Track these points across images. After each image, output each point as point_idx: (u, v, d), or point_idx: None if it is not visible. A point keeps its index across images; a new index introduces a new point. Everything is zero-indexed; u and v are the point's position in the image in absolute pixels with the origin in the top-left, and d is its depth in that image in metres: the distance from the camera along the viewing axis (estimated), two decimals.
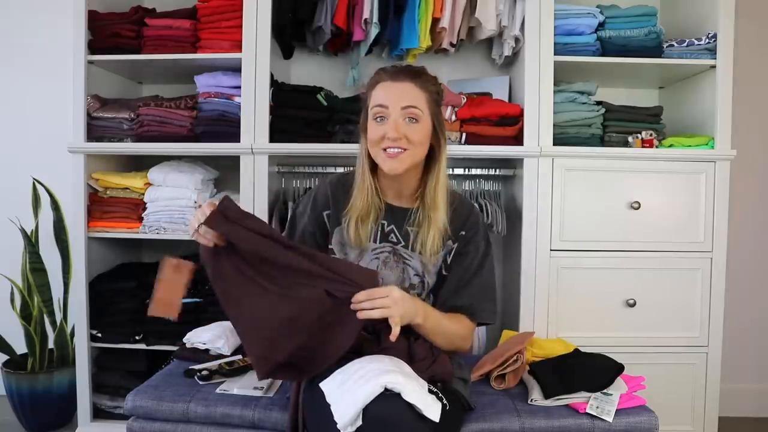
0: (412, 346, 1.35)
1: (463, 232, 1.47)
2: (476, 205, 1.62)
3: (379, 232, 1.46)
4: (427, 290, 1.46)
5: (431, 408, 1.13)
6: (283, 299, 1.26)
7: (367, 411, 1.10)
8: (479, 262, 1.47)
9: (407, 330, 1.39)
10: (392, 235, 1.46)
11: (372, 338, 1.36)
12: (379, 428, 1.09)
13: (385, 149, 1.36)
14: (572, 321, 2.03)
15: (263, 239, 1.27)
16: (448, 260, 1.47)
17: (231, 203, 1.29)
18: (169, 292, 1.32)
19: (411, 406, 1.11)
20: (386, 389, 1.11)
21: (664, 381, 2.02)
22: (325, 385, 1.19)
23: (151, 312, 1.33)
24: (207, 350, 1.78)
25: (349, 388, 1.13)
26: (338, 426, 1.10)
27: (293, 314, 1.25)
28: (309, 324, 1.25)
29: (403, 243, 1.45)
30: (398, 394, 1.11)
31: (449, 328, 1.41)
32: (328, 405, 1.15)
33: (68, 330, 2.32)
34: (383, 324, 1.35)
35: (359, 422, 1.10)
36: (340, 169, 2.03)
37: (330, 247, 1.48)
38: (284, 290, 1.27)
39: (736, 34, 2.03)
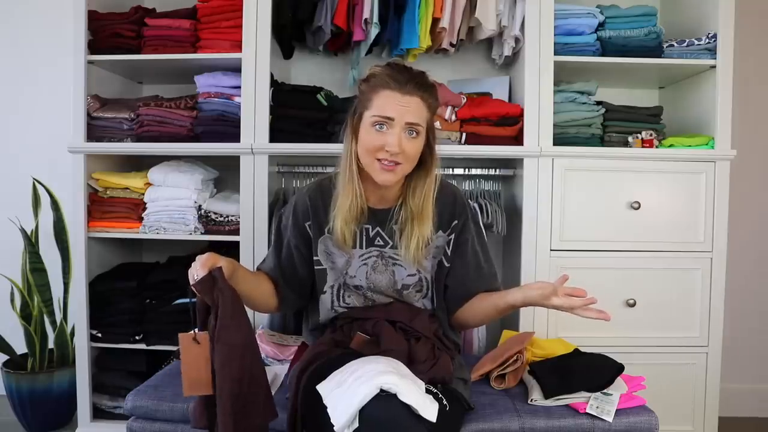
0: (413, 348, 1.35)
1: (456, 221, 1.48)
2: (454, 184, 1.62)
3: (364, 238, 1.45)
4: (429, 287, 1.46)
5: (428, 408, 1.12)
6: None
7: (364, 412, 1.09)
8: (480, 242, 1.52)
9: (407, 331, 1.39)
10: (378, 238, 1.45)
11: (372, 340, 1.36)
12: (375, 430, 1.09)
13: (379, 159, 1.34)
14: (572, 321, 2.00)
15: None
16: (448, 251, 1.48)
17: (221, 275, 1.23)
18: (195, 370, 1.21)
19: (407, 407, 1.11)
20: (382, 390, 1.10)
21: (664, 381, 2.02)
22: (322, 387, 1.19)
23: (186, 393, 1.22)
24: None
25: (346, 390, 1.13)
26: (335, 428, 1.10)
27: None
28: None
29: (391, 243, 1.45)
30: (395, 395, 1.10)
31: None
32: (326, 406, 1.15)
33: (68, 330, 2.32)
34: (383, 327, 1.36)
35: (356, 424, 1.09)
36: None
37: (315, 258, 1.47)
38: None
39: (736, 34, 2.03)
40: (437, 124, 2.03)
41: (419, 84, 1.35)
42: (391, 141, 1.31)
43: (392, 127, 1.32)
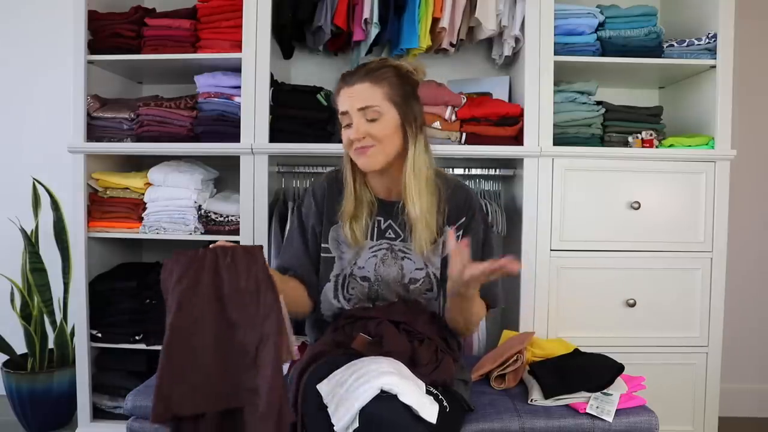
0: (416, 351, 1.34)
1: (464, 219, 1.49)
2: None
3: (375, 230, 1.47)
4: (436, 283, 1.45)
5: (428, 409, 1.13)
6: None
7: (364, 413, 1.09)
8: (482, 247, 1.50)
9: (410, 332, 1.39)
10: (389, 230, 1.47)
11: (374, 341, 1.36)
12: (375, 430, 1.09)
13: (356, 150, 1.41)
14: (572, 321, 2.03)
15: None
16: None
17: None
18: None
19: (408, 408, 1.11)
20: (383, 391, 1.11)
21: (664, 381, 2.02)
22: (322, 387, 1.19)
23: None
24: None
25: (346, 390, 1.13)
26: (335, 428, 1.10)
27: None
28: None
29: (401, 236, 1.47)
30: (395, 396, 1.11)
31: (477, 312, 1.44)
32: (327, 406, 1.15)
33: (68, 330, 2.32)
34: (386, 328, 1.35)
35: (356, 424, 1.09)
36: None
37: (325, 245, 1.48)
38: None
39: (736, 34, 2.03)
40: (437, 124, 2.03)
41: (365, 71, 1.43)
42: (352, 131, 1.40)
43: (351, 119, 1.41)
